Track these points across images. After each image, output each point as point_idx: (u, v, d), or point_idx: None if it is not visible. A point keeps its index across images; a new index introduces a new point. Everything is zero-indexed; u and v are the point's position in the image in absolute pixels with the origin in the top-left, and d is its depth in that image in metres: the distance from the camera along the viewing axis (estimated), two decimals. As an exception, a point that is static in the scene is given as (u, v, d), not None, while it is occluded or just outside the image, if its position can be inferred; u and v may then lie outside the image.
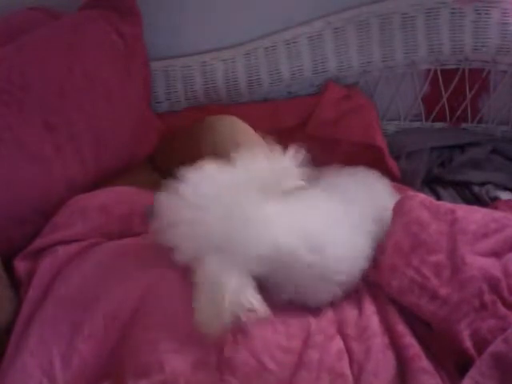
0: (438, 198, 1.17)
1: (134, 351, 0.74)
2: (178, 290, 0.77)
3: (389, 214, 0.92)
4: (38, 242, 0.91)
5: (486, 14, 1.17)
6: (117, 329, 0.76)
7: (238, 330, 0.79)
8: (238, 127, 1.05)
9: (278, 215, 0.80)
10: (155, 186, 0.83)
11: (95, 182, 1.04)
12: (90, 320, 0.75)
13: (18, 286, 0.88)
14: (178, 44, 1.25)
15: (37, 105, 0.99)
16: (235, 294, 0.71)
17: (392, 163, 1.20)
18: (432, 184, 1.23)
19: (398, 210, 0.92)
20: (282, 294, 0.80)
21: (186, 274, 0.76)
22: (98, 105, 1.05)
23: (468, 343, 0.76)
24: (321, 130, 1.19)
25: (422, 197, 0.97)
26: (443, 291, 0.80)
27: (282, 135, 1.18)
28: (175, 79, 1.26)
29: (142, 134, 1.13)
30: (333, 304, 0.86)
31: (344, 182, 0.96)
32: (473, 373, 0.72)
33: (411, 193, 1.01)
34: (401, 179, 1.18)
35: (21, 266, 0.89)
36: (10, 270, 0.90)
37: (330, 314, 0.84)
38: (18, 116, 0.97)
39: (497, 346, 0.74)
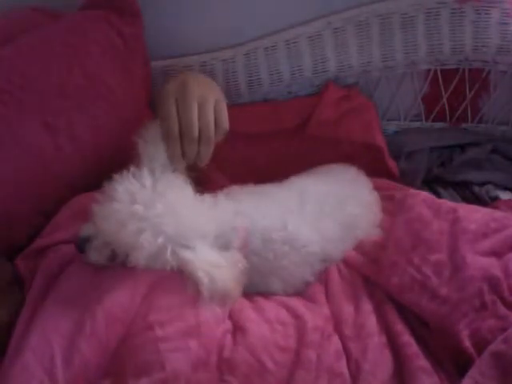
0: (438, 198, 1.16)
1: (135, 350, 0.75)
2: (179, 289, 0.77)
3: (360, 203, 0.95)
4: (39, 242, 0.91)
5: (486, 13, 1.17)
6: (118, 328, 0.76)
7: (238, 329, 0.79)
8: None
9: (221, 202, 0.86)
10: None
11: (95, 181, 1.04)
12: (92, 319, 0.75)
13: (19, 285, 0.88)
14: (178, 44, 1.24)
15: (37, 105, 0.99)
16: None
17: (392, 163, 1.20)
18: (432, 184, 1.22)
19: (400, 206, 0.92)
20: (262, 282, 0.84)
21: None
22: (98, 105, 1.05)
23: (467, 343, 0.76)
24: (321, 130, 1.19)
25: (424, 194, 0.97)
26: (443, 291, 0.81)
27: (282, 135, 1.20)
28: (175, 79, 1.26)
29: (142, 133, 1.13)
30: (328, 301, 0.86)
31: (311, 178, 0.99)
32: (473, 372, 0.72)
33: (413, 190, 1.01)
34: (401, 179, 1.18)
35: (22, 265, 0.89)
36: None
37: (325, 312, 0.84)
38: (18, 116, 0.97)
39: (497, 345, 0.74)
